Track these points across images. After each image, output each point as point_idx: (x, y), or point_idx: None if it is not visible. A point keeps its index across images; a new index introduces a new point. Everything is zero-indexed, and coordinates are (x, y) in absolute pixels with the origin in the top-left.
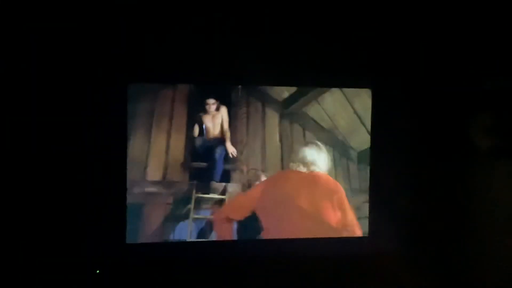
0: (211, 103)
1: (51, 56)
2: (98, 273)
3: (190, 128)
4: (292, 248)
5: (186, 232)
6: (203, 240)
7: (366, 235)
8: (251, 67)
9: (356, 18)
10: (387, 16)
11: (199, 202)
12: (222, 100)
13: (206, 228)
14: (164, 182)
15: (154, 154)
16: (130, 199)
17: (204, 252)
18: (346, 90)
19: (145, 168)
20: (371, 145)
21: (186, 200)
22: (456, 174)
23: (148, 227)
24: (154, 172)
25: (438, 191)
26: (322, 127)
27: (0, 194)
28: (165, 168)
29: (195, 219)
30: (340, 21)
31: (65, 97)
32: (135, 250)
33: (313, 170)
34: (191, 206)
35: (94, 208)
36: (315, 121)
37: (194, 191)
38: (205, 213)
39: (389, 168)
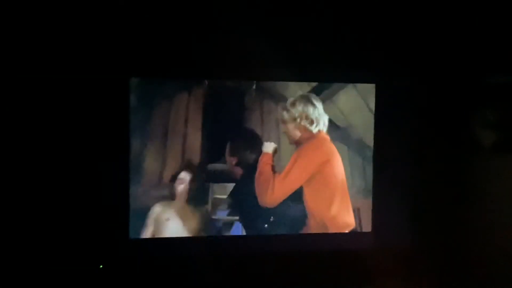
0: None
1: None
2: (101, 268)
3: (206, 130)
4: (295, 243)
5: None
6: (205, 236)
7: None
8: (256, 63)
9: (360, 13)
10: (392, 10)
11: (215, 203)
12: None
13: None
14: None
15: (170, 157)
16: (146, 203)
17: (206, 248)
18: (360, 88)
19: (162, 171)
20: (374, 140)
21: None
22: (460, 169)
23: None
24: (170, 175)
25: (441, 187)
26: (337, 126)
27: (4, 192)
28: (181, 170)
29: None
30: (344, 16)
31: (67, 95)
32: (138, 245)
33: None
34: (209, 207)
35: (97, 203)
36: (330, 120)
37: (210, 193)
38: (222, 214)
39: (393, 163)
